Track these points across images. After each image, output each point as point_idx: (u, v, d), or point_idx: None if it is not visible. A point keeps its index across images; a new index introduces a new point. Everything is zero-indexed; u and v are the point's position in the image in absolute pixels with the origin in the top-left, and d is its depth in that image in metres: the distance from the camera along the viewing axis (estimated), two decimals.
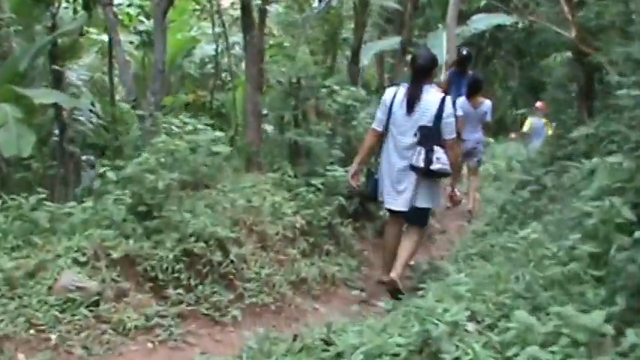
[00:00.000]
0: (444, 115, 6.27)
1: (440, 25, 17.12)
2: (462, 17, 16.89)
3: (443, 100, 6.30)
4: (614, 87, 6.13)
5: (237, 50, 12.88)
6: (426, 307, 3.68)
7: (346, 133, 8.45)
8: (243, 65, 11.98)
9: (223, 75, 13.92)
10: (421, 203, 6.46)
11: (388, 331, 3.86)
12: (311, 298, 6.50)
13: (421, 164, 6.20)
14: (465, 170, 10.51)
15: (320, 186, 7.35)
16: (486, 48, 20.40)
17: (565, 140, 7.15)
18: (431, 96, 6.32)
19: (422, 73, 6.41)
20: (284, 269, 6.46)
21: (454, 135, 6.44)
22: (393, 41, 15.04)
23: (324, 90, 8.16)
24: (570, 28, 6.89)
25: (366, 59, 12.08)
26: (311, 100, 7.88)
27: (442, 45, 15.93)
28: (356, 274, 7.28)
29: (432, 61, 6.56)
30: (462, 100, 10.07)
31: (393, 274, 6.31)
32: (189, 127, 6.45)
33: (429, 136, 6.23)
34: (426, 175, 6.31)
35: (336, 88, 8.32)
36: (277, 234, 6.63)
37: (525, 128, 15.14)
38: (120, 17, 10.89)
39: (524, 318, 3.17)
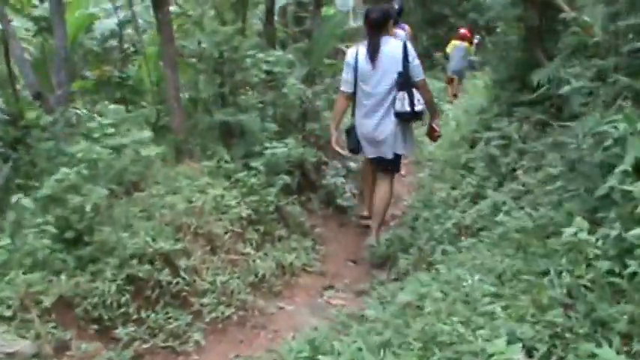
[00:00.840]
0: (410, 59, 6.37)
1: None
2: None
3: (405, 46, 6.42)
4: (569, 25, 5.51)
5: (140, 21, 11.57)
6: (464, 344, 2.83)
7: (277, 103, 7.50)
8: (146, 36, 10.78)
9: (126, 46, 12.63)
10: (401, 150, 6.62)
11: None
12: (273, 297, 5.69)
13: (408, 108, 6.35)
14: None
15: (261, 167, 6.42)
16: None
17: (517, 83, 6.44)
18: (391, 45, 6.42)
19: (377, 26, 6.43)
20: (239, 270, 5.57)
21: (423, 76, 6.56)
22: None
23: (248, 60, 7.14)
24: None
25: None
26: (237, 75, 6.86)
27: None
28: (313, 256, 6.48)
29: (385, 14, 6.51)
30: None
31: (372, 241, 6.59)
32: (111, 130, 5.35)
33: (406, 80, 6.34)
34: (409, 118, 6.50)
35: (261, 55, 7.30)
36: (226, 232, 5.70)
37: (448, 50, 16.85)
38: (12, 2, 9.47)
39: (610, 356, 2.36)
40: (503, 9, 6.59)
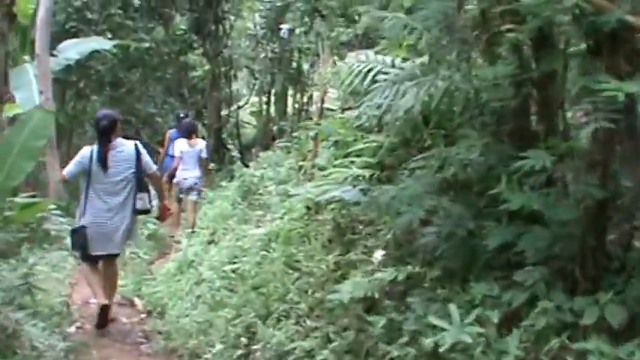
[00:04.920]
0: (142, 156, 6.56)
1: (26, 58, 11.10)
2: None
3: (136, 146, 6.56)
4: None
5: None
6: None
7: None
8: None
9: None
10: (130, 241, 6.99)
11: None
12: None
13: (148, 206, 6.65)
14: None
15: None
16: (77, 82, 14.52)
17: None
18: (124, 147, 6.49)
19: (106, 132, 6.40)
20: None
21: (154, 167, 6.98)
22: None
23: None
24: None
25: None
26: None
27: (31, 83, 10.44)
28: None
29: (114, 119, 6.59)
30: (180, 141, 10.55)
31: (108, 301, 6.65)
32: None
33: (141, 180, 6.51)
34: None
35: None
36: None
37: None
38: None
39: None
40: None
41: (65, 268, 8.11)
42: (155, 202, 6.86)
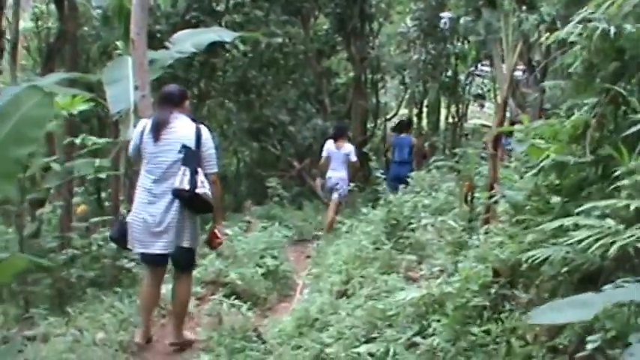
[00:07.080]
0: (203, 145, 5.34)
1: (120, 48, 8.90)
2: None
3: (199, 129, 5.36)
4: None
5: None
6: None
7: None
8: None
9: None
10: (187, 243, 5.40)
11: None
12: None
13: (187, 186, 5.21)
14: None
15: None
16: (198, 82, 12.27)
17: None
18: (182, 122, 5.36)
19: (168, 100, 5.42)
20: None
21: (216, 169, 5.54)
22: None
23: None
24: None
25: None
26: None
27: (128, 77, 8.21)
28: None
29: (180, 91, 5.59)
30: (328, 142, 10.66)
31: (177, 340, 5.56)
32: None
33: (192, 157, 5.26)
34: (191, 202, 5.29)
35: None
36: None
37: None
38: None
39: None
40: None
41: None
42: (203, 191, 5.26)
